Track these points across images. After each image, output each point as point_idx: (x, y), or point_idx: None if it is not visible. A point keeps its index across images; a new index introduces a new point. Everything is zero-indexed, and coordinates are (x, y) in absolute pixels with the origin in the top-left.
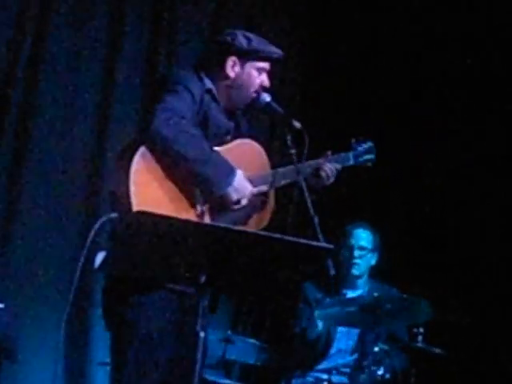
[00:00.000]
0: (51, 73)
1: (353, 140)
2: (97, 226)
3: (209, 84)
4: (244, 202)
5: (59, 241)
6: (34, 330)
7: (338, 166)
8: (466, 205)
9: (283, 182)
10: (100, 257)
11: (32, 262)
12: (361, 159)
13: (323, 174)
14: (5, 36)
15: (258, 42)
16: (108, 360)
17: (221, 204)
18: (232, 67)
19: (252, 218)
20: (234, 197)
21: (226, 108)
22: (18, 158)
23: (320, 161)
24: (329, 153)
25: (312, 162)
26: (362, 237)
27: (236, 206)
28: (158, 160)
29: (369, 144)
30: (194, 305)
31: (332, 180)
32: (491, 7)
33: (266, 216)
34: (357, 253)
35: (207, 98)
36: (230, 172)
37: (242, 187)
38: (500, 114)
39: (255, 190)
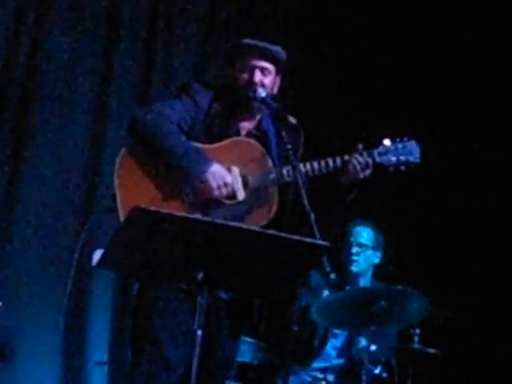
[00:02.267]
0: (49, 71)
1: (386, 139)
2: (90, 220)
3: (220, 93)
4: (240, 196)
5: (57, 240)
6: (31, 330)
7: (370, 160)
8: (464, 206)
9: (287, 179)
10: (98, 254)
11: (30, 262)
12: (392, 158)
13: (350, 167)
14: (4, 32)
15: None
16: (105, 359)
17: (202, 195)
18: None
19: (250, 214)
20: (213, 183)
21: (239, 112)
22: (16, 158)
23: (348, 155)
24: (360, 146)
25: (339, 157)
26: (362, 234)
27: (231, 201)
28: (141, 156)
29: (406, 143)
30: (214, 308)
31: (363, 175)
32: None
33: (267, 214)
34: (355, 249)
35: (216, 106)
36: (204, 163)
37: (218, 175)
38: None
39: (251, 181)
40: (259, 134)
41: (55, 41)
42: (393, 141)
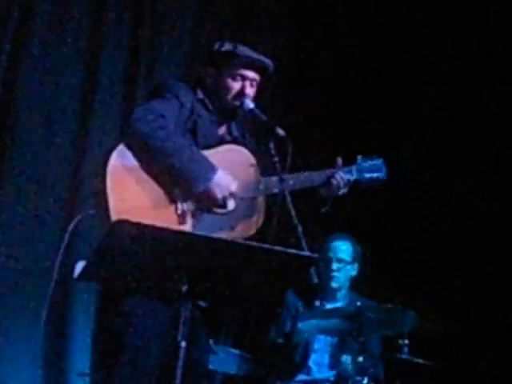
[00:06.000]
0: (31, 75)
1: (359, 156)
2: (72, 224)
3: (200, 95)
4: (230, 206)
5: (38, 249)
6: (12, 341)
7: (351, 177)
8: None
9: (275, 191)
10: (80, 266)
11: (10, 271)
12: (366, 175)
13: (334, 182)
14: None
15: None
16: (87, 371)
17: (206, 202)
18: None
19: (239, 224)
20: (218, 193)
21: (219, 117)
22: None
23: (332, 170)
24: (339, 160)
25: (325, 171)
26: (341, 249)
27: (222, 210)
28: (136, 157)
29: (376, 161)
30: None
31: (344, 191)
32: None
33: (255, 223)
34: (335, 265)
35: (198, 107)
36: (210, 168)
37: (224, 183)
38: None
39: (240, 190)
40: (231, 140)
41: (36, 51)
42: (364, 158)
